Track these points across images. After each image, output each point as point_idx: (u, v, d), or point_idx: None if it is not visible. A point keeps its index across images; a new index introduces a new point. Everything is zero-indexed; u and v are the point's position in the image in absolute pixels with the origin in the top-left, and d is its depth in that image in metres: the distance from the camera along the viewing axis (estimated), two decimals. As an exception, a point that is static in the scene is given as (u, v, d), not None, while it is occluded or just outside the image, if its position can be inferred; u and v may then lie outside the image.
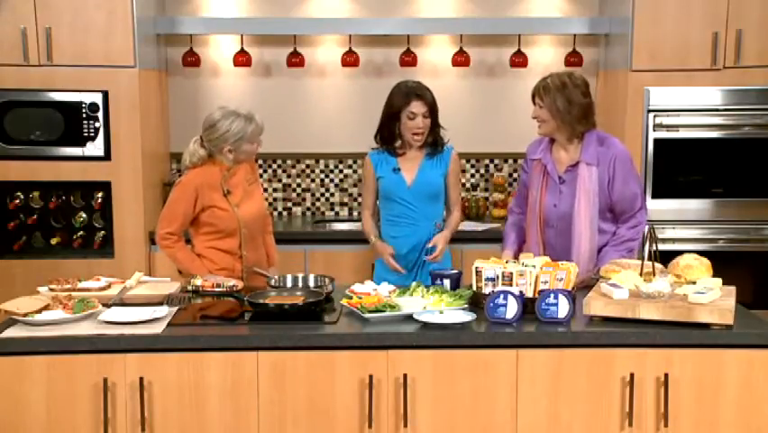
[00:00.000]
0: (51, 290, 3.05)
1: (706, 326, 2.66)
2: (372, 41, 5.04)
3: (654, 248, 2.86)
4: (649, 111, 4.51)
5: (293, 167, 5.19)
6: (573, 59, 5.00)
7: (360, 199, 4.91)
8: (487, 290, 2.84)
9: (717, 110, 4.50)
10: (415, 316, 2.76)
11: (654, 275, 2.83)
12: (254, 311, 2.87)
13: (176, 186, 3.46)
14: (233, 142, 3.39)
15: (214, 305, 3.05)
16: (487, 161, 5.21)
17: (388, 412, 2.67)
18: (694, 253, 3.06)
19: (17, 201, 4.50)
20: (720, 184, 4.57)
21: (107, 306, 2.91)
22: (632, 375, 2.65)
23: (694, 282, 2.86)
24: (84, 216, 4.56)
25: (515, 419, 2.68)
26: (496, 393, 2.67)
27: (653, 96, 4.50)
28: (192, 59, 4.95)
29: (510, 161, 5.16)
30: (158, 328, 2.70)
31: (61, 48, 4.37)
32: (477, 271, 2.88)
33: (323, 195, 5.22)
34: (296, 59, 4.95)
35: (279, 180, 5.19)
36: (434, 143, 3.74)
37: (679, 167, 4.56)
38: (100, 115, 4.45)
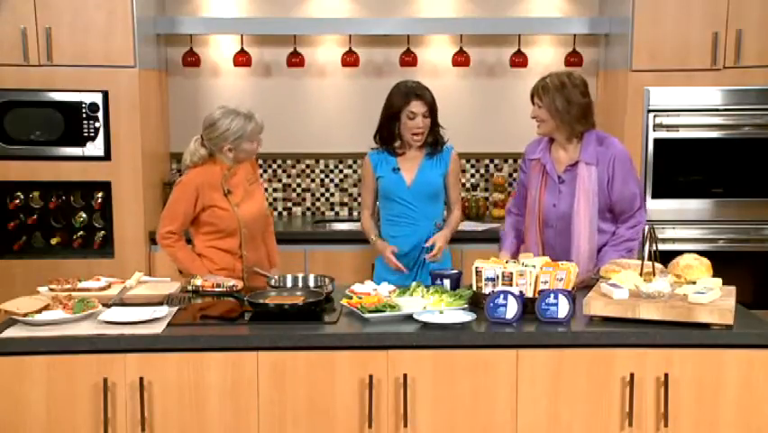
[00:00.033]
0: (51, 289, 3.05)
1: (706, 326, 2.66)
2: (372, 41, 5.04)
3: (654, 248, 2.86)
4: (649, 111, 4.51)
5: (293, 167, 5.19)
6: (573, 59, 5.00)
7: (360, 199, 4.91)
8: (487, 290, 2.84)
9: (717, 110, 4.50)
10: (415, 316, 2.76)
11: (654, 275, 2.83)
12: (254, 311, 2.87)
13: (176, 185, 3.47)
14: (233, 141, 3.39)
15: (214, 305, 3.05)
16: (487, 161, 5.21)
17: (388, 412, 2.68)
18: (694, 253, 3.06)
19: (17, 201, 4.50)
20: (720, 184, 4.57)
21: (107, 306, 2.91)
22: (632, 375, 2.65)
23: (694, 282, 2.86)
24: (84, 216, 4.56)
25: (515, 419, 2.68)
26: (496, 393, 2.67)
27: (653, 96, 4.50)
28: (192, 59, 4.95)
29: (510, 161, 5.16)
30: (158, 328, 2.70)
31: (61, 48, 4.37)
32: (477, 271, 2.88)
33: (323, 195, 5.22)
34: (296, 59, 4.95)
35: (279, 180, 5.19)
36: (433, 143, 3.74)
37: (679, 167, 4.56)
38: (100, 115, 4.45)
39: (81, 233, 4.56)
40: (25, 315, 2.74)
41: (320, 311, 2.88)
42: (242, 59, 4.95)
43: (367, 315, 2.76)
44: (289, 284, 3.25)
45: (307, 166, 5.19)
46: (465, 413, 2.68)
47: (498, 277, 2.84)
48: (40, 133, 4.46)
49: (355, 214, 5.15)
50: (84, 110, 4.44)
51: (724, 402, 2.67)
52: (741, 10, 4.43)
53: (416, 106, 3.64)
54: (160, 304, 2.94)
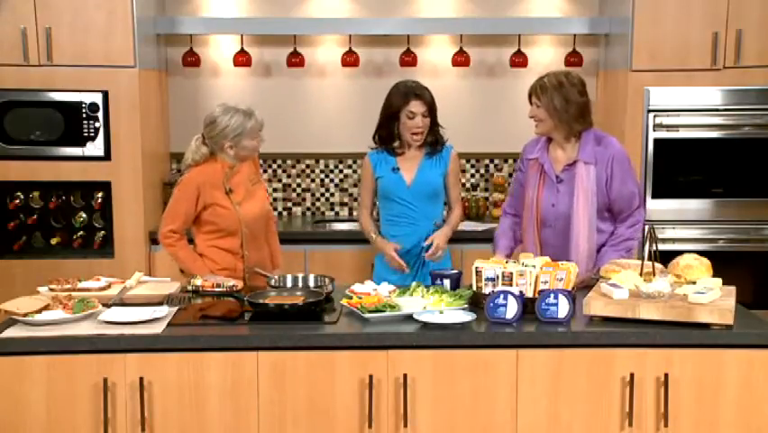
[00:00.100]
0: (51, 289, 3.05)
1: (706, 326, 2.66)
2: (372, 41, 5.04)
3: (654, 248, 2.86)
4: (649, 111, 4.51)
5: (293, 167, 5.19)
6: (573, 59, 5.00)
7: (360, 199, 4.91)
8: (487, 290, 2.84)
9: (717, 110, 4.50)
10: (415, 316, 2.76)
11: (654, 275, 2.83)
12: (254, 311, 2.87)
13: (178, 184, 3.47)
14: (233, 138, 3.39)
15: (215, 305, 3.05)
16: (487, 161, 5.21)
17: (388, 412, 2.67)
18: (694, 253, 3.06)
19: (17, 201, 4.50)
20: (720, 184, 4.57)
21: (107, 306, 2.91)
22: (632, 375, 2.65)
23: (694, 282, 2.86)
24: (84, 216, 4.56)
25: (515, 419, 2.68)
26: (496, 393, 2.67)
27: (653, 96, 4.50)
28: (192, 59, 4.95)
29: (510, 160, 5.16)
30: (158, 328, 2.70)
31: (61, 48, 4.37)
32: (477, 271, 2.88)
33: (323, 195, 5.22)
34: (296, 59, 4.95)
35: (279, 180, 5.19)
36: (433, 143, 3.74)
37: (679, 167, 4.56)
38: (100, 115, 4.45)
39: (81, 233, 4.56)
40: (25, 315, 2.74)
41: (320, 311, 2.88)
42: (242, 59, 4.95)
43: (367, 315, 2.76)
44: (289, 284, 3.25)
45: (307, 166, 5.19)
46: (465, 413, 2.68)
47: (498, 277, 2.84)
48: (40, 133, 4.46)
49: (355, 214, 5.14)
50: (84, 110, 4.44)
51: (724, 402, 2.67)
52: (741, 10, 4.43)
53: (416, 106, 3.64)
54: (160, 304, 2.94)
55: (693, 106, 4.50)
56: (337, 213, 5.23)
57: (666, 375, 2.65)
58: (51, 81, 4.41)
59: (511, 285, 2.81)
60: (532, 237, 3.39)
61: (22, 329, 2.70)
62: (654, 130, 4.52)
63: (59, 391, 2.64)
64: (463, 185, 5.15)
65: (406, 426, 2.66)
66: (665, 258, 3.07)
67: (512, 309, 2.72)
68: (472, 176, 5.22)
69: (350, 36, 4.99)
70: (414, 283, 3.06)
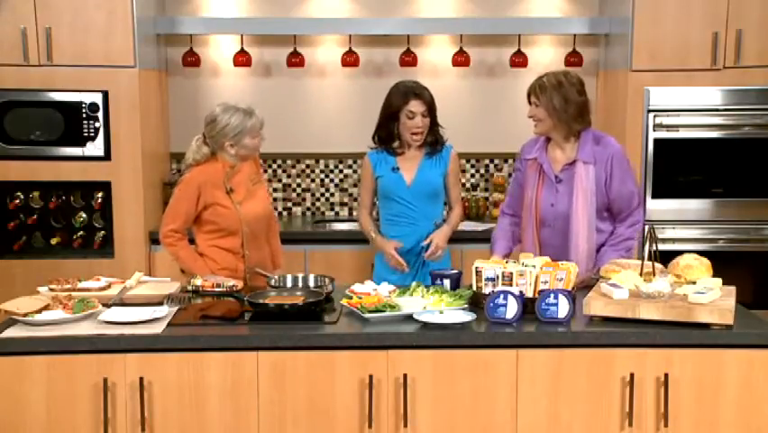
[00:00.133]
0: (51, 289, 3.05)
1: (706, 326, 2.66)
2: (372, 41, 5.04)
3: (654, 248, 2.86)
4: (649, 111, 4.51)
5: (293, 167, 5.19)
6: (573, 59, 5.00)
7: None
8: (487, 290, 2.84)
9: (717, 110, 4.50)
10: (415, 316, 2.76)
11: (654, 275, 2.83)
12: (254, 311, 2.87)
13: (179, 183, 3.48)
14: (233, 137, 3.40)
15: (215, 305, 3.05)
16: (487, 161, 5.21)
17: (388, 412, 2.67)
18: (694, 253, 3.06)
19: (17, 201, 4.50)
20: (720, 184, 4.57)
21: (107, 306, 2.91)
22: (632, 375, 2.65)
23: (694, 282, 2.86)
24: (84, 216, 4.56)
25: (515, 419, 2.68)
26: (496, 393, 2.67)
27: (653, 96, 4.50)
28: (192, 59, 4.96)
29: (510, 160, 5.16)
30: (158, 328, 2.70)
31: (61, 48, 4.37)
32: (477, 271, 2.88)
33: (323, 195, 5.22)
34: (296, 59, 4.96)
35: (279, 180, 5.19)
36: (433, 143, 3.74)
37: (679, 167, 4.56)
38: (100, 115, 4.45)
39: (81, 233, 4.56)
40: (25, 315, 2.74)
41: (320, 311, 2.88)
42: (242, 59, 4.95)
43: (367, 315, 2.76)
44: (289, 284, 3.26)
45: (307, 166, 5.20)
46: (465, 413, 2.68)
47: (498, 277, 2.84)
48: (40, 133, 4.46)
49: (355, 214, 5.14)
50: (84, 110, 4.44)
51: (724, 402, 2.67)
52: (741, 10, 4.43)
53: (415, 106, 3.64)
54: (160, 304, 2.94)
55: (693, 106, 4.50)
56: (337, 213, 5.23)
57: (666, 375, 2.65)
58: (51, 81, 4.41)
59: (511, 285, 2.81)
60: (531, 237, 3.39)
61: (22, 329, 2.70)
62: (654, 130, 4.52)
63: (59, 391, 2.64)
64: (463, 185, 5.15)
65: (406, 426, 2.66)
66: (665, 258, 3.07)
67: (512, 309, 2.72)
68: (472, 176, 5.22)
69: (350, 36, 4.99)
70: (414, 283, 3.06)
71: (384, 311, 2.78)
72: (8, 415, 2.64)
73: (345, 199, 5.22)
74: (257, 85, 5.09)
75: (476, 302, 2.86)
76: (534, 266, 2.86)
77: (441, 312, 2.79)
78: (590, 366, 2.67)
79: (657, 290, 2.73)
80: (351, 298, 2.92)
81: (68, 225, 4.57)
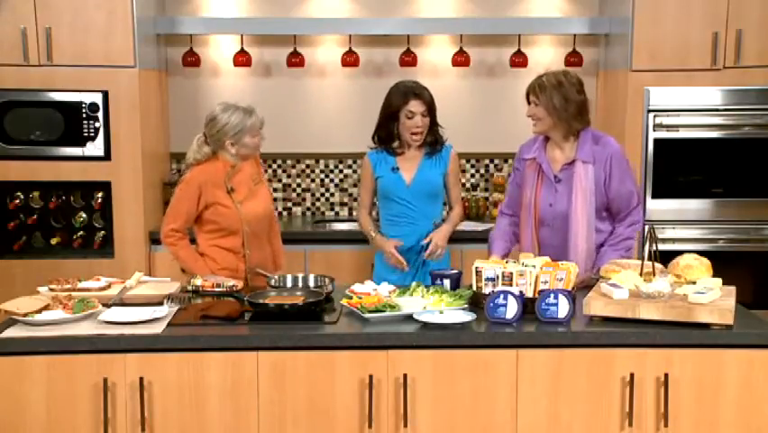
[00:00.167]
0: (51, 289, 3.05)
1: (706, 326, 2.66)
2: (372, 41, 5.04)
3: (654, 248, 2.86)
4: (649, 111, 4.51)
5: (293, 167, 5.19)
6: (573, 59, 5.00)
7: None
8: (487, 290, 2.84)
9: (717, 110, 4.50)
10: (415, 316, 2.76)
11: (654, 275, 2.83)
12: (254, 311, 2.87)
13: (180, 183, 3.48)
14: (233, 135, 3.40)
15: (215, 305, 3.05)
16: (487, 161, 5.21)
17: (388, 412, 2.67)
18: (694, 253, 3.06)
19: (17, 201, 4.50)
20: (720, 184, 4.57)
21: (107, 306, 2.91)
22: (632, 375, 2.65)
23: (694, 282, 2.86)
24: (84, 216, 4.56)
25: (515, 419, 2.68)
26: (496, 393, 2.67)
27: (653, 96, 4.50)
28: (192, 59, 4.96)
29: (510, 160, 5.15)
30: (158, 328, 2.70)
31: (61, 48, 4.37)
32: (477, 271, 2.88)
33: (323, 195, 5.22)
34: (296, 59, 4.96)
35: (279, 180, 5.19)
36: (432, 143, 3.74)
37: (679, 167, 4.56)
38: (100, 115, 4.45)
39: (81, 233, 4.56)
40: (25, 315, 2.74)
41: (320, 311, 2.88)
42: (242, 59, 4.95)
43: (367, 315, 2.76)
44: (289, 284, 3.26)
45: (307, 166, 5.20)
46: (465, 413, 2.68)
47: (498, 277, 2.84)
48: (40, 133, 4.46)
49: (355, 214, 5.14)
50: (84, 110, 4.44)
51: (724, 402, 2.67)
52: (741, 10, 4.43)
53: (415, 106, 3.64)
54: (160, 304, 2.94)
55: (693, 106, 4.50)
56: (337, 213, 5.23)
57: (666, 375, 2.65)
58: (51, 81, 4.41)
59: (511, 285, 2.81)
60: (529, 237, 3.39)
61: (22, 329, 2.70)
62: (654, 130, 4.52)
63: (59, 391, 2.64)
64: (463, 185, 5.15)
65: (406, 426, 2.66)
66: (665, 258, 3.07)
67: (512, 309, 2.72)
68: (472, 176, 5.22)
69: (350, 36, 4.99)
70: (414, 283, 3.06)
71: (384, 311, 2.78)
72: (8, 415, 2.64)
73: (345, 199, 5.22)
74: (257, 85, 5.09)
75: (476, 302, 2.86)
76: (534, 266, 2.86)
77: (441, 312, 2.78)
78: (590, 366, 2.67)
79: (657, 290, 2.73)
80: (351, 298, 2.92)
81: (68, 225, 4.57)
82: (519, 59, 4.98)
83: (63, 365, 2.64)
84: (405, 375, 2.65)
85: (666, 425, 2.67)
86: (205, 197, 3.42)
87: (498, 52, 5.09)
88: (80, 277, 3.20)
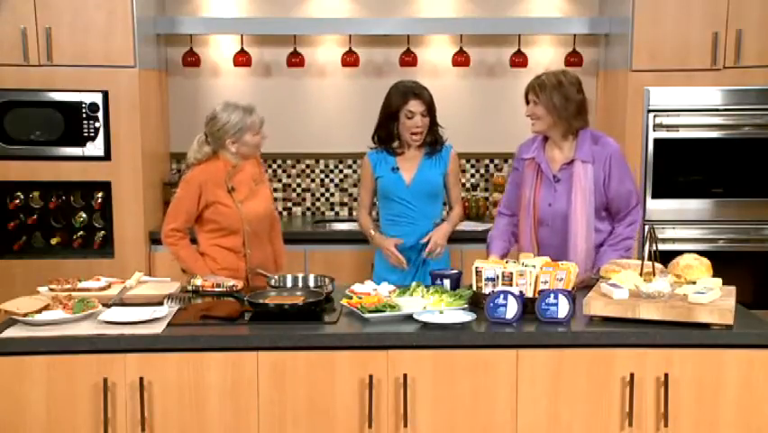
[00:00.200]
0: (51, 289, 3.05)
1: (706, 326, 2.66)
2: (372, 41, 5.04)
3: (654, 248, 2.86)
4: (649, 111, 4.51)
5: (293, 167, 5.19)
6: (573, 59, 5.00)
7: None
8: (487, 290, 2.84)
9: (717, 110, 4.50)
10: (415, 316, 2.76)
11: (654, 275, 2.83)
12: (254, 311, 2.87)
13: (181, 182, 3.49)
14: (234, 134, 3.41)
15: (215, 305, 3.05)
16: (487, 161, 5.21)
17: (388, 412, 2.67)
18: (694, 253, 3.06)
19: (17, 201, 4.50)
20: (720, 184, 4.57)
21: (107, 306, 2.91)
22: (632, 375, 2.65)
23: (694, 282, 2.86)
24: (84, 216, 4.56)
25: (515, 419, 2.68)
26: (496, 393, 2.67)
27: (653, 96, 4.50)
28: (192, 59, 4.96)
29: (510, 160, 5.14)
30: (158, 328, 2.70)
31: (61, 48, 4.37)
32: (477, 271, 2.88)
33: (323, 195, 5.22)
34: (296, 59, 4.96)
35: (279, 180, 5.19)
36: (432, 142, 3.74)
37: (679, 167, 4.56)
38: (100, 115, 4.45)
39: (81, 233, 4.56)
40: (25, 315, 2.74)
41: (320, 311, 2.88)
42: (242, 59, 4.95)
43: (367, 315, 2.76)
44: (289, 284, 3.26)
45: (307, 166, 5.20)
46: (465, 413, 2.68)
47: (498, 277, 2.84)
48: (40, 133, 4.46)
49: (355, 214, 5.14)
50: (84, 110, 4.44)
51: (724, 402, 2.67)
52: (741, 10, 4.43)
53: (414, 105, 3.64)
54: (160, 304, 2.94)
55: (693, 106, 4.50)
56: (337, 213, 5.23)
57: (666, 375, 2.65)
58: (51, 81, 4.41)
59: (511, 285, 2.81)
60: (528, 237, 3.38)
61: (22, 329, 2.70)
62: (654, 130, 4.52)
63: (59, 391, 2.64)
64: (463, 185, 5.15)
65: (406, 426, 2.66)
66: (665, 258, 3.07)
67: (512, 309, 2.72)
68: (472, 176, 5.22)
69: (350, 36, 4.99)
70: (414, 283, 3.06)
71: (384, 311, 2.78)
72: (8, 415, 2.64)
73: (345, 199, 5.22)
74: (257, 85, 5.09)
75: (476, 302, 2.86)
76: (534, 266, 2.86)
77: (441, 312, 2.78)
78: (590, 366, 2.67)
79: (657, 290, 2.73)
80: (351, 298, 2.92)
81: (68, 225, 4.57)
82: (519, 59, 4.98)
83: (63, 365, 2.64)
84: (405, 375, 2.65)
85: (666, 425, 2.67)
86: (206, 196, 3.42)
87: (498, 52, 5.09)
88: (80, 277, 3.20)
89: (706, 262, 2.98)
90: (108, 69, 4.40)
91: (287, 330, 2.68)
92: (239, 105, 3.44)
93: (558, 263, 2.91)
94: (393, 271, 3.68)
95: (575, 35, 4.99)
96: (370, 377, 2.65)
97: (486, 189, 5.22)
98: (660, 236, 4.26)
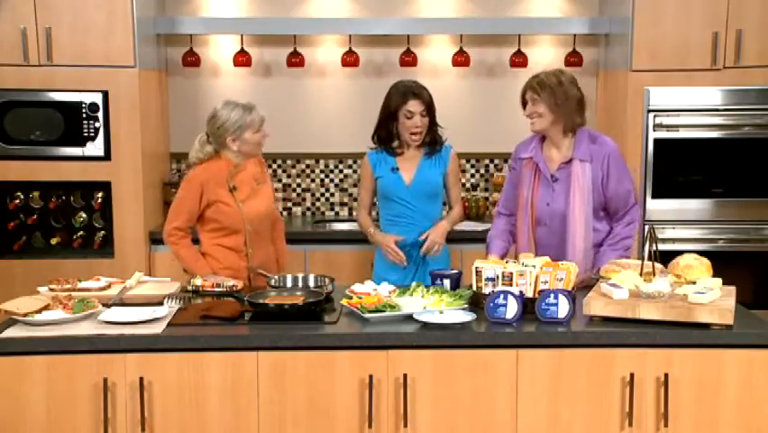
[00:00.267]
0: (51, 290, 3.05)
1: (706, 326, 2.66)
2: (372, 41, 5.04)
3: (654, 248, 2.86)
4: (649, 111, 4.51)
5: (293, 167, 5.19)
6: (573, 59, 5.00)
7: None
8: (487, 290, 2.84)
9: (717, 110, 4.50)
10: (415, 316, 2.76)
11: (654, 275, 2.83)
12: (254, 311, 2.87)
13: (183, 182, 3.49)
14: (234, 132, 3.41)
15: (215, 305, 3.05)
16: (487, 161, 5.21)
17: (388, 412, 2.67)
18: (694, 253, 3.06)
19: (17, 201, 4.50)
20: (720, 184, 4.57)
21: (107, 306, 2.91)
22: (632, 375, 2.65)
23: (694, 282, 2.86)
24: (84, 216, 4.56)
25: (515, 419, 2.68)
26: (496, 393, 2.67)
27: (653, 96, 4.50)
28: (192, 59, 4.96)
29: (510, 161, 5.16)
30: (158, 328, 2.70)
31: (61, 48, 4.37)
32: (477, 271, 2.88)
33: (323, 195, 5.22)
34: (296, 59, 4.96)
35: (279, 180, 5.19)
36: (432, 142, 3.74)
37: (679, 167, 4.56)
38: (100, 115, 4.45)
39: (81, 233, 4.56)
40: (25, 315, 2.74)
41: (320, 311, 2.88)
42: (242, 59, 4.95)
43: (367, 315, 2.76)
44: (289, 284, 3.26)
45: (307, 166, 5.20)
46: (465, 413, 2.68)
47: (498, 277, 2.84)
48: (40, 133, 4.46)
49: (355, 214, 5.14)
50: (84, 110, 4.44)
51: (724, 402, 2.67)
52: (741, 10, 4.43)
53: (414, 105, 3.64)
54: (160, 304, 2.94)
55: (693, 106, 4.50)
56: (337, 213, 5.23)
57: (666, 375, 2.65)
58: (51, 81, 4.41)
59: (511, 285, 2.81)
60: (526, 237, 3.38)
61: (22, 329, 2.70)
62: (654, 130, 4.52)
63: (59, 391, 2.64)
64: (463, 185, 5.15)
65: (406, 426, 2.66)
66: (665, 258, 3.07)
67: (512, 309, 2.72)
68: (472, 176, 5.22)
69: (350, 36, 4.99)
70: (414, 283, 3.06)
71: (384, 311, 2.78)
72: (8, 415, 2.64)
73: (345, 199, 5.22)
74: (257, 85, 5.09)
75: (476, 302, 2.86)
76: (534, 266, 2.86)
77: (441, 312, 2.78)
78: (590, 366, 2.67)
79: (657, 290, 2.73)
80: (351, 298, 2.92)
81: (68, 225, 4.57)
82: (519, 59, 4.98)
83: (63, 365, 2.64)
84: (405, 375, 2.65)
85: (666, 425, 2.67)
86: (207, 195, 3.42)
87: (498, 52, 5.09)
88: (80, 277, 3.20)
89: (706, 262, 2.98)
90: (108, 69, 4.40)
91: (287, 330, 2.68)
92: (239, 103, 3.46)
93: (558, 263, 2.91)
94: (393, 271, 3.67)
95: (575, 35, 4.99)
96: (370, 377, 2.65)
97: (486, 189, 5.22)
98: (660, 236, 4.26)
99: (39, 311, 2.78)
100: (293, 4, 5.04)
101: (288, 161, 5.18)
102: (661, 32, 4.45)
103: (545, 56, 5.07)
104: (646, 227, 3.11)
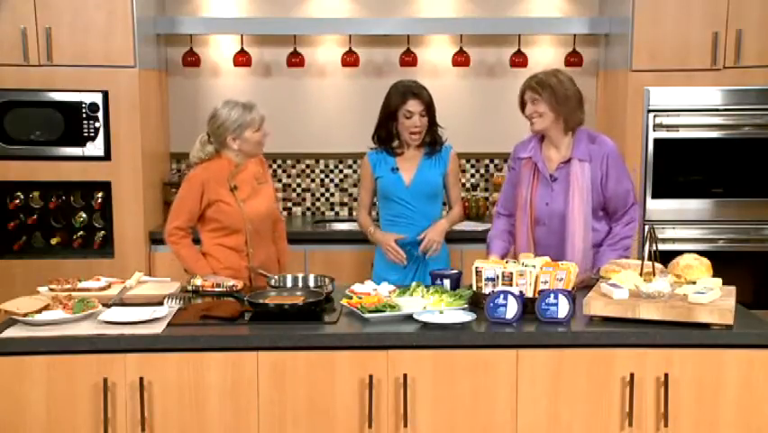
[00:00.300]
0: (51, 290, 3.05)
1: (706, 326, 2.66)
2: (372, 41, 5.04)
3: (654, 248, 2.86)
4: (649, 111, 4.51)
5: (293, 167, 5.19)
6: (573, 59, 5.00)
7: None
8: (487, 290, 2.84)
9: (717, 110, 4.50)
10: (415, 316, 2.76)
11: (654, 275, 2.83)
12: (254, 311, 2.87)
13: (183, 181, 3.50)
14: (234, 130, 3.41)
15: (215, 305, 3.05)
16: (487, 161, 5.21)
17: (388, 412, 2.67)
18: (694, 253, 3.06)
19: (17, 201, 4.50)
20: (720, 184, 4.57)
21: (107, 306, 2.92)
22: (632, 375, 2.65)
23: (694, 282, 2.86)
24: (84, 216, 4.56)
25: (515, 419, 2.68)
26: (496, 393, 2.67)
27: (653, 96, 4.50)
28: (192, 59, 4.96)
29: (509, 161, 5.16)
30: (158, 328, 2.70)
31: (61, 48, 4.37)
32: (477, 271, 2.88)
33: (323, 195, 5.22)
34: (296, 59, 4.96)
35: (279, 180, 5.19)
36: (432, 142, 3.74)
37: (679, 167, 4.56)
38: (100, 115, 4.45)
39: (81, 233, 4.56)
40: (25, 315, 2.74)
41: (320, 311, 2.88)
42: (242, 59, 4.95)
43: (367, 315, 2.76)
44: (289, 284, 3.26)
45: (307, 166, 5.20)
46: (465, 413, 2.68)
47: (498, 277, 2.84)
48: (40, 133, 4.46)
49: (355, 214, 5.14)
50: (84, 110, 4.44)
51: (724, 402, 2.67)
52: (741, 10, 4.43)
53: (413, 105, 3.64)
54: (160, 304, 2.94)
55: (693, 106, 4.50)
56: (337, 213, 5.23)
57: (666, 375, 2.65)
58: (51, 81, 4.41)
59: (511, 285, 2.81)
60: (525, 237, 3.38)
61: (22, 329, 2.70)
62: (654, 130, 4.52)
63: (59, 391, 2.64)
64: (463, 185, 5.15)
65: (406, 426, 2.66)
66: (665, 258, 3.07)
67: (512, 309, 2.72)
68: (472, 176, 5.22)
69: (350, 36, 4.99)
70: (414, 283, 3.06)
71: (384, 311, 2.78)
72: (8, 415, 2.64)
73: (345, 199, 5.22)
74: (257, 85, 5.09)
75: (476, 302, 2.86)
76: (534, 266, 2.86)
77: (441, 312, 2.79)
78: (590, 366, 2.67)
79: (657, 290, 2.73)
80: (351, 298, 2.92)
81: (68, 225, 4.57)
82: (519, 59, 4.98)
83: (63, 365, 2.64)
84: (405, 375, 2.65)
85: (666, 425, 2.67)
86: (208, 194, 3.42)
87: (498, 52, 5.09)
88: (80, 277, 3.20)
89: (706, 262, 2.99)
90: (108, 69, 4.41)
91: (287, 330, 2.68)
92: (239, 102, 3.46)
93: (558, 263, 2.91)
94: (393, 271, 3.67)
95: (575, 35, 4.99)
96: (370, 377, 2.65)
97: (486, 189, 5.22)
98: (660, 236, 4.26)
99: (39, 311, 2.78)
100: (293, 4, 5.05)
101: (288, 161, 5.18)
102: (661, 32, 4.46)
103: (545, 56, 5.07)
104: (646, 227, 3.11)
